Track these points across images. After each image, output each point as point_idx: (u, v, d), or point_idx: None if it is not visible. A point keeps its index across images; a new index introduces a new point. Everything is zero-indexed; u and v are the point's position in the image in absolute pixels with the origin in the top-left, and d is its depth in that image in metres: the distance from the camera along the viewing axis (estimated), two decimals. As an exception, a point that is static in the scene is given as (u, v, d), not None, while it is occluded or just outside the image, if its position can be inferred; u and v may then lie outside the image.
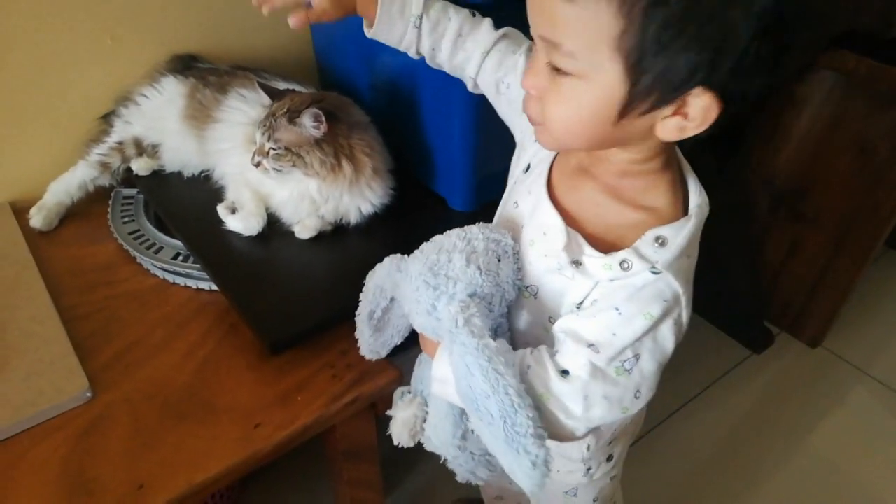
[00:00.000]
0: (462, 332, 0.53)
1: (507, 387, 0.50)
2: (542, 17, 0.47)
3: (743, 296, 1.68)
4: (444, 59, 0.74)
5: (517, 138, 0.72)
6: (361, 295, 0.69)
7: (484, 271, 0.57)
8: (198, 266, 0.92)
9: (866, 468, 1.39)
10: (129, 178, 1.06)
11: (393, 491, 1.29)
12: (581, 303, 0.57)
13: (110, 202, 1.04)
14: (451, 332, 0.54)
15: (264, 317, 0.82)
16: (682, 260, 0.54)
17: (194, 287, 0.91)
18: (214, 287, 0.90)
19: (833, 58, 1.31)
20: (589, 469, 0.75)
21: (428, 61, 0.76)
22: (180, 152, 1.04)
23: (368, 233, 0.96)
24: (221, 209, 0.94)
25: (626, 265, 0.53)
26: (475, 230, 0.61)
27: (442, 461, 0.68)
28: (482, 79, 0.73)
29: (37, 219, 0.99)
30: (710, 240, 0.60)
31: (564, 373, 0.55)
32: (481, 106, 0.77)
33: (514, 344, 0.62)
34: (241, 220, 0.93)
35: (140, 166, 1.04)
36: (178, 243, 0.96)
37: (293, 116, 0.87)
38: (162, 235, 0.98)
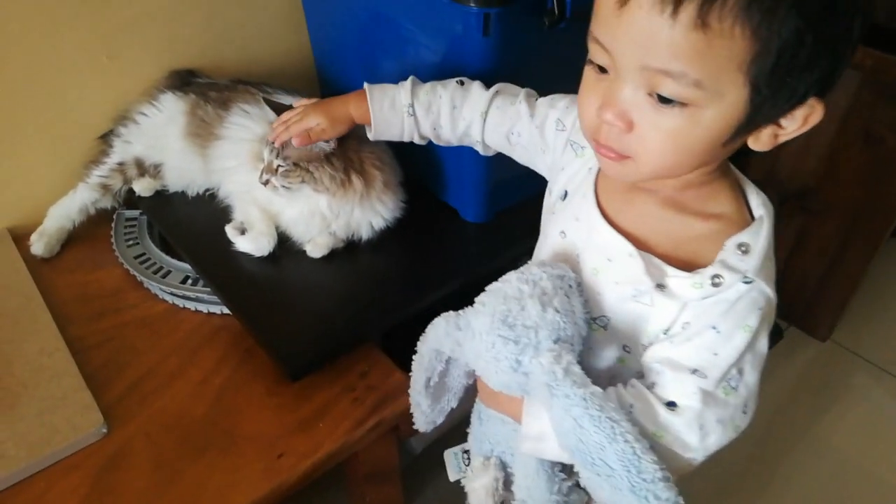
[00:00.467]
0: (565, 384, 0.49)
1: (624, 434, 0.47)
2: (653, 46, 0.43)
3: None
4: (448, 133, 0.76)
5: (543, 174, 0.70)
6: (414, 364, 0.64)
7: (562, 312, 0.53)
8: (208, 290, 0.89)
9: (880, 460, 1.38)
10: (131, 200, 1.03)
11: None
12: (668, 328, 0.54)
13: (112, 224, 1.01)
14: (549, 385, 0.50)
15: (283, 342, 0.80)
16: (768, 263, 0.52)
17: (205, 311, 0.89)
18: (226, 311, 0.88)
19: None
20: None
21: (435, 141, 0.78)
22: (183, 171, 1.02)
23: (381, 248, 0.94)
24: (230, 230, 0.92)
25: (717, 280, 0.50)
26: (535, 270, 0.56)
27: None
28: (489, 138, 0.74)
29: (38, 245, 0.96)
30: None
31: (671, 405, 0.52)
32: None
33: None
34: (252, 241, 0.90)
35: (142, 187, 1.02)
36: (186, 266, 0.93)
37: (302, 132, 0.84)
38: (168, 258, 0.95)
